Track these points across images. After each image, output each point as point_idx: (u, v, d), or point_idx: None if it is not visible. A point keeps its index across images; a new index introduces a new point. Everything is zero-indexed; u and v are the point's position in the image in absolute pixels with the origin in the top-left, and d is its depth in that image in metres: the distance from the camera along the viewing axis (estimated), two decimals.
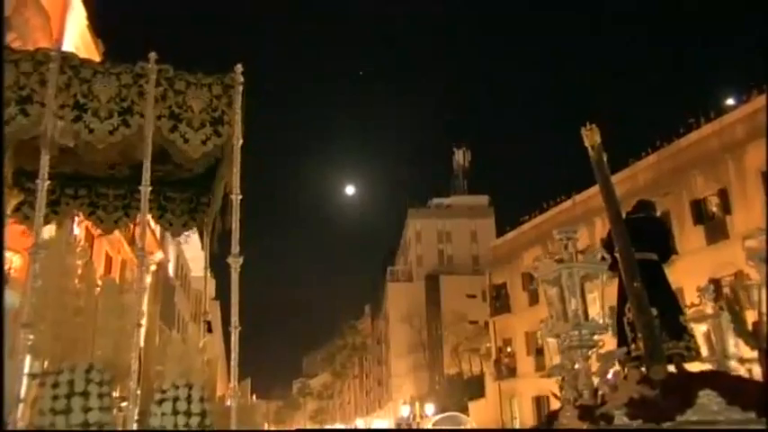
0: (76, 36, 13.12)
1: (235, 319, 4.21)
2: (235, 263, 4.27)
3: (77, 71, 4.25)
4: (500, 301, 31.51)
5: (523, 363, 29.26)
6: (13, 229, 5.08)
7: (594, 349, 4.36)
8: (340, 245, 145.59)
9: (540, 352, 26.65)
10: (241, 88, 4.52)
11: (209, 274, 6.37)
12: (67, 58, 4.32)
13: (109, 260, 15.28)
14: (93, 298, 4.38)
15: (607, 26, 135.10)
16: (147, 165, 4.19)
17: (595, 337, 4.35)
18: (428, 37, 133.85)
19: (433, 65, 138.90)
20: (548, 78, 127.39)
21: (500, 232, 36.32)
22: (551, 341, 5.08)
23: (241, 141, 4.46)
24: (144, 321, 4.30)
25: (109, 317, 4.30)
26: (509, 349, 31.10)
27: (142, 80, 4.31)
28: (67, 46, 11.95)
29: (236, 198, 4.38)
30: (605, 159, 5.23)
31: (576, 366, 4.34)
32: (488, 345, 33.95)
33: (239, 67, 4.56)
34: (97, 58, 13.24)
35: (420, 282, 47.98)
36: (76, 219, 5.70)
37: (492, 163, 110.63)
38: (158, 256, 21.87)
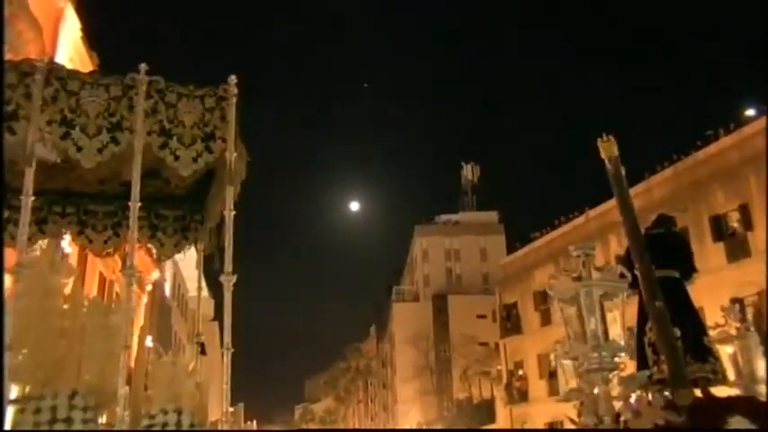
0: (70, 48, 13.03)
1: (228, 339, 4.02)
2: (227, 281, 4.08)
3: (65, 83, 4.09)
4: (511, 322, 30.85)
5: (536, 386, 28.51)
6: None
7: (615, 372, 4.08)
8: (344, 263, 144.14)
9: (553, 375, 25.97)
10: (235, 100, 4.36)
11: (208, 295, 6.18)
12: (54, 70, 4.17)
13: (103, 280, 15.14)
14: (80, 319, 4.20)
15: (621, 38, 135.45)
16: (136, 180, 4.04)
17: (616, 360, 4.08)
18: (435, 50, 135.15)
19: (440, 78, 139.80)
20: (559, 91, 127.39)
21: (510, 249, 35.47)
22: (566, 363, 4.85)
23: (235, 155, 4.28)
24: (134, 343, 4.10)
25: (96, 338, 4.13)
26: (521, 372, 30.29)
27: (132, 92, 4.15)
28: (61, 58, 11.82)
29: (230, 214, 4.24)
30: (623, 172, 5.06)
31: (596, 391, 4.06)
32: (499, 368, 33.24)
33: (233, 79, 4.39)
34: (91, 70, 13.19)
35: (427, 302, 47.21)
36: (68, 236, 5.53)
37: (501, 178, 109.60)
38: (155, 275, 21.60)
